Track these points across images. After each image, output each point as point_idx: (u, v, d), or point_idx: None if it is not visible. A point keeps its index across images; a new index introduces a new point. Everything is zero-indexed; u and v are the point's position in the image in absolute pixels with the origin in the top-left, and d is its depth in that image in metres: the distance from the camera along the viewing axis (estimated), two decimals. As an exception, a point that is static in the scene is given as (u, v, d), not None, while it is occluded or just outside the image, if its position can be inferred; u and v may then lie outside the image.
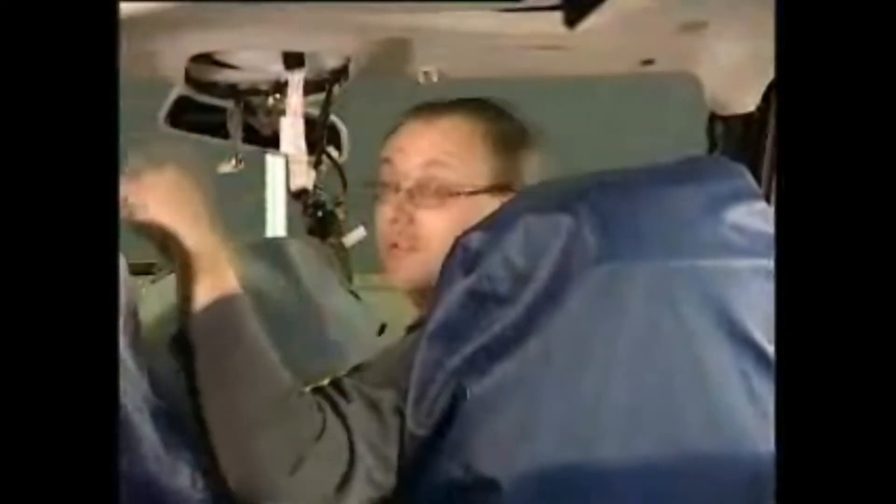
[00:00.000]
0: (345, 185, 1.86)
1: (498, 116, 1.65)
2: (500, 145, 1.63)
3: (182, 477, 1.40)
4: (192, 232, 1.46)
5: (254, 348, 1.46)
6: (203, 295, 1.46)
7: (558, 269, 1.43)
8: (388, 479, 1.46)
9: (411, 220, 1.62)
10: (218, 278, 1.46)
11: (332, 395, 1.47)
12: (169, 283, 1.79)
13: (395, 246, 1.63)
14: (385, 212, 1.64)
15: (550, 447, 1.42)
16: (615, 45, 1.55)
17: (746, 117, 1.86)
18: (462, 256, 1.48)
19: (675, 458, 1.43)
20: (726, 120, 1.91)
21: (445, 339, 1.45)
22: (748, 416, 1.45)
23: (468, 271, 1.46)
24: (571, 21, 1.10)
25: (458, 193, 1.61)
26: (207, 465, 1.43)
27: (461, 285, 1.46)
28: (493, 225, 1.49)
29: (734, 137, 1.85)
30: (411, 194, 1.62)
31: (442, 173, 1.61)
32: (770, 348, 1.46)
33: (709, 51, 1.74)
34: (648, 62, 1.81)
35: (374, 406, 1.47)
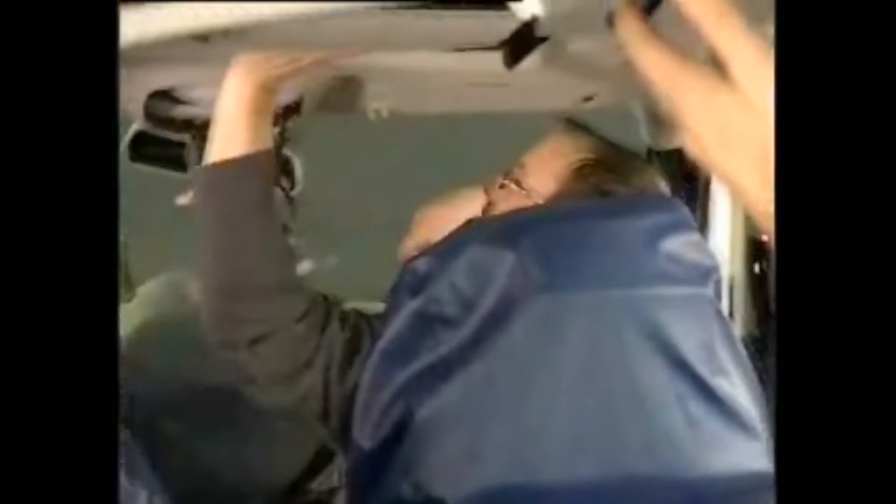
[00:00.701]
0: (295, 216, 1.91)
1: (605, 156, 1.69)
2: (580, 178, 1.66)
3: (140, 500, 1.43)
4: (264, 88, 1.58)
5: (270, 211, 1.60)
6: (244, 141, 1.59)
7: (502, 296, 1.48)
8: (315, 408, 1.60)
9: (490, 202, 1.70)
10: (262, 131, 1.60)
11: (332, 312, 1.62)
12: (128, 309, 1.83)
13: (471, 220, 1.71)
14: None
15: (497, 470, 1.45)
16: (555, 84, 1.60)
17: (682, 151, 1.92)
18: (410, 279, 1.54)
19: (616, 481, 1.45)
20: (663, 154, 1.97)
21: (394, 356, 1.51)
22: (685, 439, 1.47)
23: (415, 293, 1.52)
24: (509, 63, 1.12)
25: (523, 190, 1.67)
26: (163, 485, 1.48)
27: (409, 307, 1.52)
28: (441, 252, 1.55)
29: (670, 171, 1.91)
30: (503, 181, 1.70)
31: (520, 171, 1.69)
32: (704, 372, 1.50)
33: (647, 86, 1.79)
34: (589, 98, 1.87)
35: (353, 350, 1.59)
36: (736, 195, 0.86)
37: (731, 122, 0.83)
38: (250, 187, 1.58)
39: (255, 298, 1.58)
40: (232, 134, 1.59)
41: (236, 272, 1.58)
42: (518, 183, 1.67)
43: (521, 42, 1.08)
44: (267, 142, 1.61)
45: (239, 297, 1.58)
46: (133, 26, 0.97)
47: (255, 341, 1.59)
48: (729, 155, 0.85)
